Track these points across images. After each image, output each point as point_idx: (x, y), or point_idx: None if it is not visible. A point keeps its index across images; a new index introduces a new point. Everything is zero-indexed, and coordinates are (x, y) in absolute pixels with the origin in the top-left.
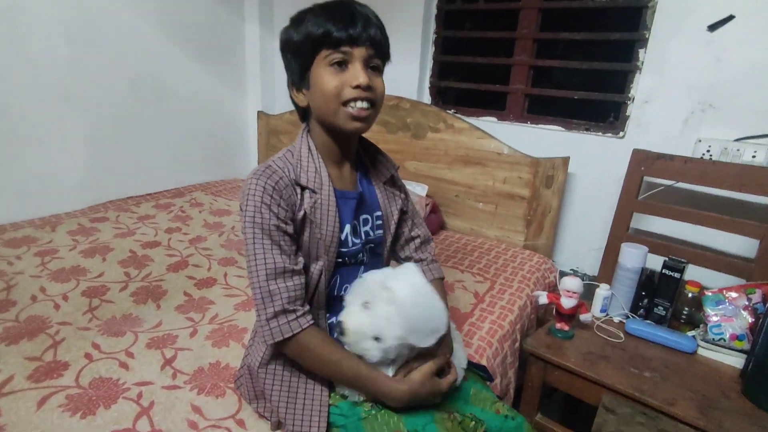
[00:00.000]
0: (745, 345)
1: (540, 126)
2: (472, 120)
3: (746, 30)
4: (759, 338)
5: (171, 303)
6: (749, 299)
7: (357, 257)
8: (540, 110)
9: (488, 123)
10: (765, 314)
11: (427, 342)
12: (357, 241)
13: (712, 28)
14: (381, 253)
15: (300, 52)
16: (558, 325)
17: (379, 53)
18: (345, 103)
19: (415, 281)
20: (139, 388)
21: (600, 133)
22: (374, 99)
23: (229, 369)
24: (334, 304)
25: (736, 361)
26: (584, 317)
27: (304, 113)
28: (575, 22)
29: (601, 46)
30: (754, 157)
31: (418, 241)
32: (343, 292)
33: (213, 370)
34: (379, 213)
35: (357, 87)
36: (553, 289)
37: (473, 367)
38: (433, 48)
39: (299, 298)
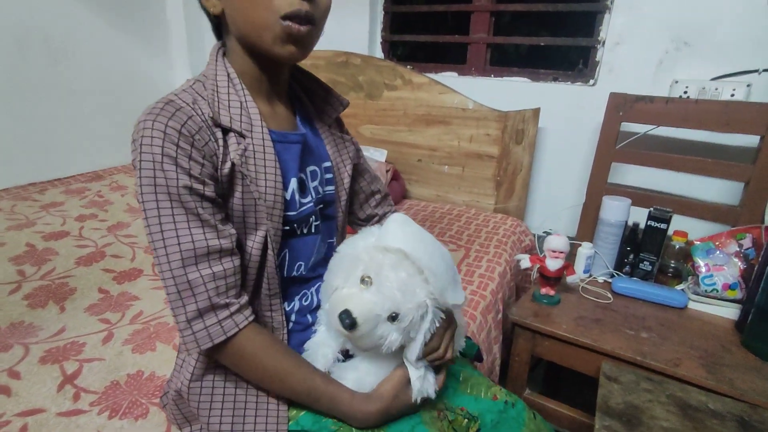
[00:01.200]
0: (738, 294)
1: (505, 78)
2: (431, 76)
3: None
4: (759, 285)
5: (80, 303)
6: (740, 245)
7: (309, 223)
8: (503, 62)
9: (449, 78)
10: (764, 259)
11: (459, 295)
12: (306, 200)
13: None
14: (334, 216)
15: None
16: (543, 290)
17: None
18: (280, 18)
19: (414, 229)
20: (24, 420)
21: (569, 82)
22: (313, 16)
23: (155, 379)
24: (286, 288)
25: (729, 312)
26: (571, 278)
27: (218, 26)
28: None
29: None
30: (732, 96)
31: (378, 196)
32: (296, 273)
33: (132, 383)
34: (328, 164)
35: None
36: (530, 252)
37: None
38: None
39: (232, 287)
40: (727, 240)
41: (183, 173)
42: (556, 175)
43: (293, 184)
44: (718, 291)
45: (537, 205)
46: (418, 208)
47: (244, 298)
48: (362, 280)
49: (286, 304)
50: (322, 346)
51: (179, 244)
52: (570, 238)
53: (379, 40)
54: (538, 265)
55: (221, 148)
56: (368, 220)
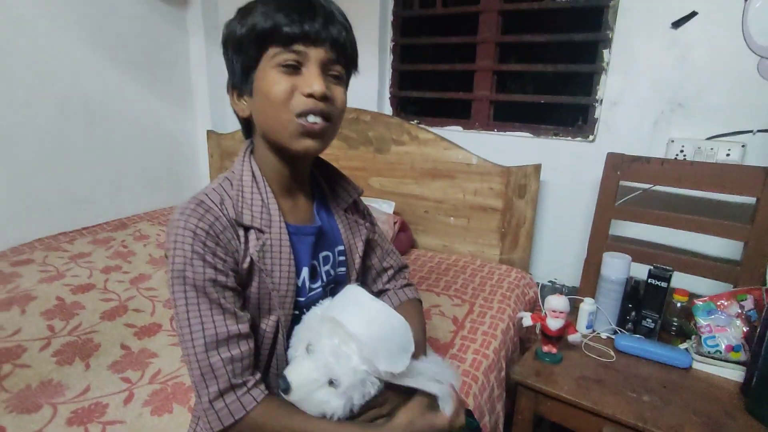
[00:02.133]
0: (742, 356)
1: (507, 133)
2: (437, 130)
3: (710, 26)
4: (760, 350)
5: (103, 360)
6: (741, 306)
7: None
8: (506, 117)
9: (453, 132)
10: (764, 322)
11: (400, 363)
12: (316, 285)
13: (676, 25)
14: None
15: (243, 48)
16: (545, 348)
17: (341, 58)
18: (295, 115)
19: (359, 298)
20: None
21: (569, 138)
22: (330, 113)
23: None
24: None
25: (734, 374)
26: (573, 338)
27: (247, 127)
28: (537, 25)
29: (565, 48)
30: (728, 155)
31: (391, 272)
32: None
33: None
34: (341, 247)
35: (310, 96)
36: (533, 305)
37: None
38: (392, 57)
39: (248, 366)
40: (729, 301)
41: (209, 268)
42: (559, 227)
43: (304, 272)
44: (721, 353)
45: (541, 255)
46: (425, 259)
47: (258, 375)
48: (306, 348)
49: None
50: None
51: (203, 330)
52: (573, 291)
53: (387, 96)
54: (539, 324)
55: (242, 245)
56: (380, 295)
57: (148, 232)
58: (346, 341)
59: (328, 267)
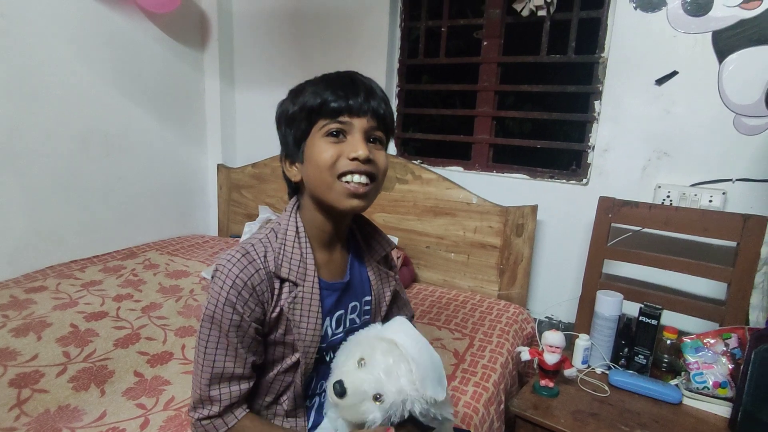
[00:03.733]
0: (729, 392)
1: (505, 174)
2: (438, 170)
3: (690, 84)
4: (744, 387)
5: (118, 387)
6: (726, 344)
7: (336, 348)
8: (504, 159)
9: (454, 173)
10: (746, 361)
11: (440, 392)
12: (339, 331)
13: (660, 82)
14: None
15: (295, 122)
16: (542, 382)
17: (381, 126)
18: (341, 177)
19: (410, 328)
20: None
21: (564, 181)
22: (375, 173)
23: None
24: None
25: (721, 409)
26: (569, 372)
27: (294, 189)
28: (534, 73)
29: (560, 96)
30: (710, 201)
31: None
32: (318, 390)
33: None
34: (368, 297)
35: (355, 159)
36: (531, 340)
37: None
38: (397, 101)
39: (242, 401)
40: (715, 339)
41: (236, 315)
42: (555, 265)
43: (328, 321)
44: (709, 389)
45: (538, 292)
46: (426, 293)
47: (245, 405)
48: (358, 362)
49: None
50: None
51: (213, 365)
52: (569, 326)
53: (392, 137)
54: (537, 358)
55: (275, 297)
56: None
57: (157, 261)
58: (399, 362)
59: (354, 315)
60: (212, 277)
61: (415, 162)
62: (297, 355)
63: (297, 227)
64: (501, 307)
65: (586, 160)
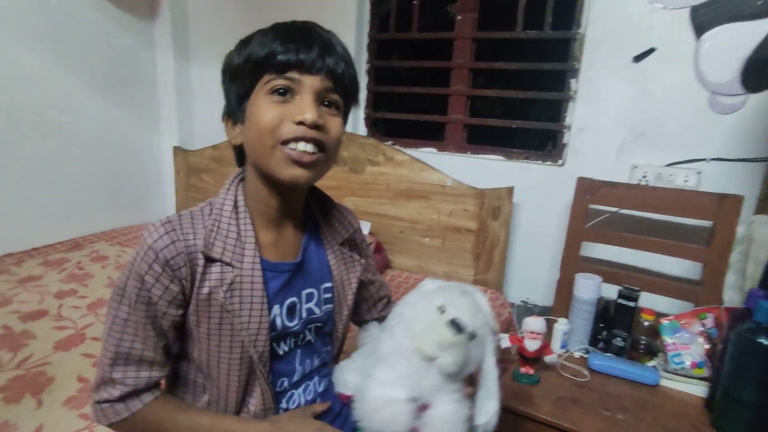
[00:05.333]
0: (705, 372)
1: (480, 156)
2: (411, 151)
3: (666, 62)
4: (721, 367)
5: (58, 396)
6: (703, 324)
7: (287, 341)
8: (479, 140)
9: (428, 154)
10: (725, 340)
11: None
12: (293, 323)
13: (637, 59)
14: (330, 331)
15: (239, 76)
16: (523, 370)
17: (338, 88)
18: (284, 143)
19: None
20: None
21: (540, 161)
22: (324, 142)
23: None
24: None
25: (698, 389)
26: (549, 359)
27: (240, 156)
28: (509, 51)
29: (535, 75)
30: (686, 181)
31: (385, 300)
32: (279, 388)
33: None
34: (328, 284)
35: (301, 124)
36: (508, 326)
37: None
38: (367, 78)
39: (150, 387)
40: (691, 319)
41: (145, 291)
42: (531, 248)
43: (276, 310)
44: (686, 368)
45: (515, 276)
46: (400, 280)
47: (156, 390)
48: (440, 310)
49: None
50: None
51: (119, 343)
52: (545, 310)
53: (362, 116)
54: (517, 346)
55: (198, 277)
56: (371, 323)
57: (106, 253)
58: (474, 296)
59: (311, 304)
60: (138, 247)
61: (387, 143)
62: (242, 348)
63: (236, 200)
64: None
65: (561, 140)
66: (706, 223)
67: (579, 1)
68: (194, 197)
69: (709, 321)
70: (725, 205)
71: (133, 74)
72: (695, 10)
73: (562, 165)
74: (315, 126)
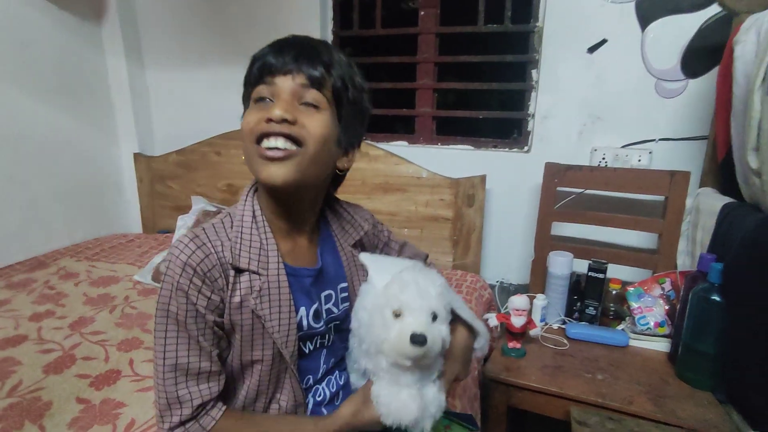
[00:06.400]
0: (667, 330)
1: (450, 146)
2: (383, 145)
3: (617, 51)
4: (681, 324)
5: (60, 419)
6: (662, 288)
7: (314, 339)
8: (448, 131)
9: (400, 147)
10: (683, 300)
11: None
12: (317, 325)
13: (591, 50)
14: (346, 329)
15: (243, 95)
16: (510, 345)
17: (317, 84)
18: (258, 142)
19: (384, 258)
20: None
21: (507, 149)
22: (298, 136)
23: None
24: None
25: (662, 346)
26: (534, 332)
27: None
28: (472, 45)
29: (500, 67)
30: (639, 161)
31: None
32: (305, 385)
33: None
34: (344, 284)
35: (270, 120)
36: (490, 305)
37: (454, 417)
38: None
39: (212, 401)
40: (652, 284)
41: (191, 305)
42: (506, 231)
43: (302, 312)
44: (651, 329)
45: (491, 258)
46: None
47: (221, 403)
48: (395, 314)
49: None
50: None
51: (176, 361)
52: (520, 288)
53: None
54: (504, 323)
55: (231, 284)
56: None
57: (75, 269)
58: (417, 283)
59: (329, 305)
60: (164, 266)
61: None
62: (276, 350)
63: (254, 211)
64: (459, 277)
65: (526, 128)
66: (660, 198)
67: None
68: (162, 204)
69: (667, 285)
70: (675, 181)
71: (83, 80)
72: (640, 4)
73: (528, 151)
74: (284, 120)
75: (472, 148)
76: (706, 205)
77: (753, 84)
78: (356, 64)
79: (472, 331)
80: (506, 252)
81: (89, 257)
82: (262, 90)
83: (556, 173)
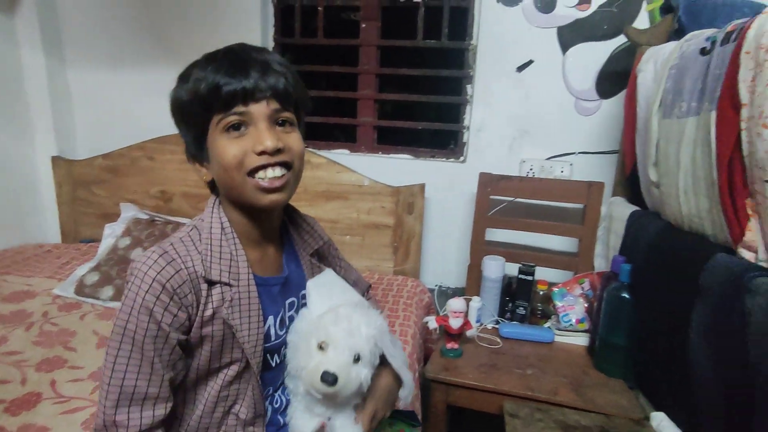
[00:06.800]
0: (587, 326)
1: (391, 155)
2: (326, 152)
3: (542, 72)
4: (598, 320)
5: None
6: (582, 288)
7: (281, 352)
8: (389, 140)
9: (342, 155)
10: (598, 299)
11: (398, 349)
12: (282, 332)
13: (520, 69)
14: None
15: (189, 117)
16: (449, 346)
17: (287, 104)
18: (251, 173)
19: (329, 283)
20: None
21: (445, 159)
22: (289, 161)
23: None
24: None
25: (582, 340)
26: (470, 333)
27: (212, 186)
28: (412, 59)
29: (439, 80)
30: (562, 172)
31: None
32: (268, 404)
33: None
34: (305, 292)
35: (263, 153)
36: (429, 308)
37: (398, 414)
38: None
39: (156, 427)
40: (574, 285)
41: (153, 324)
42: (443, 237)
43: (270, 321)
44: (572, 325)
45: (430, 263)
46: None
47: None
48: (320, 346)
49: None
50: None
51: (122, 383)
52: (458, 291)
53: None
54: (443, 325)
55: (203, 298)
56: None
57: None
58: (350, 319)
59: (292, 312)
60: (126, 282)
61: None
62: (243, 359)
63: (222, 223)
64: (399, 283)
65: (462, 139)
66: (579, 206)
67: (470, 16)
68: (85, 212)
69: (587, 285)
70: (592, 191)
71: None
72: (560, 30)
73: (464, 161)
74: (277, 151)
75: (412, 157)
76: (617, 212)
77: (652, 108)
78: (297, 72)
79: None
80: (444, 257)
81: (1, 270)
82: (232, 119)
83: (489, 183)
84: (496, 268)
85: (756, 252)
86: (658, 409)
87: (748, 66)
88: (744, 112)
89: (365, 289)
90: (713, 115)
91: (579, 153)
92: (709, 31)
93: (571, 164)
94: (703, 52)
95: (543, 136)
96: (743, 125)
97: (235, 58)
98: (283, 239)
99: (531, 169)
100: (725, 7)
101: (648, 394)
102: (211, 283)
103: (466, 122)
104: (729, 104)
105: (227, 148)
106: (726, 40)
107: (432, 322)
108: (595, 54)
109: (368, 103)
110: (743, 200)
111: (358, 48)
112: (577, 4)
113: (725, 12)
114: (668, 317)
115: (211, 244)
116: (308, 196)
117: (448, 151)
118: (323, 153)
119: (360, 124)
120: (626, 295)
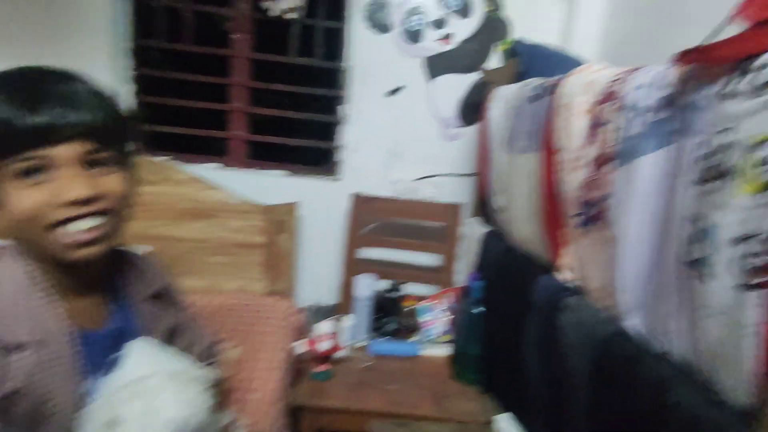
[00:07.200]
0: (450, 337)
1: (265, 171)
2: (193, 168)
3: (411, 97)
4: (456, 334)
5: None
6: (447, 302)
7: None
8: (264, 156)
9: (211, 170)
10: (457, 312)
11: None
12: None
13: (391, 93)
14: None
15: None
16: (318, 369)
17: (105, 142)
18: (54, 227)
19: (143, 352)
20: None
21: (320, 177)
22: (108, 209)
23: None
24: None
25: (445, 352)
26: (340, 354)
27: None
28: (288, 75)
29: (315, 99)
30: (429, 193)
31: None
32: None
33: None
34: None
35: (73, 204)
36: (302, 331)
37: None
38: (136, 86)
39: None
40: (438, 299)
41: None
42: (317, 255)
43: (91, 381)
44: (436, 338)
45: (306, 281)
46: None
47: None
48: (107, 426)
49: None
50: None
51: None
52: (327, 307)
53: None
54: (311, 349)
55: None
56: None
57: None
58: (155, 395)
59: None
60: None
61: (164, 159)
62: (57, 428)
63: (26, 273)
64: (270, 304)
65: (338, 158)
66: (443, 224)
67: (344, 38)
68: None
69: (450, 299)
70: (453, 211)
71: None
72: (427, 60)
73: (340, 180)
74: (88, 200)
75: (288, 173)
76: (473, 232)
77: (498, 141)
78: (159, 78)
79: None
80: (320, 275)
81: None
82: (26, 165)
83: (360, 203)
84: (366, 287)
85: (567, 274)
86: (506, 411)
87: (562, 116)
88: (560, 156)
89: (205, 348)
90: (538, 155)
91: (444, 175)
92: (538, 81)
93: (436, 186)
94: (531, 99)
95: (412, 158)
96: (559, 167)
97: (29, 86)
98: (115, 285)
99: (402, 189)
100: (557, 58)
101: (496, 397)
102: (10, 349)
103: (342, 141)
104: (548, 147)
105: (21, 198)
106: (547, 91)
107: (300, 347)
108: (458, 85)
109: (240, 116)
110: (559, 230)
111: (230, 59)
112: (440, 38)
113: (556, 62)
114: (510, 329)
115: (15, 301)
116: (171, 215)
117: (324, 169)
118: (190, 167)
119: (232, 137)
120: (477, 309)
